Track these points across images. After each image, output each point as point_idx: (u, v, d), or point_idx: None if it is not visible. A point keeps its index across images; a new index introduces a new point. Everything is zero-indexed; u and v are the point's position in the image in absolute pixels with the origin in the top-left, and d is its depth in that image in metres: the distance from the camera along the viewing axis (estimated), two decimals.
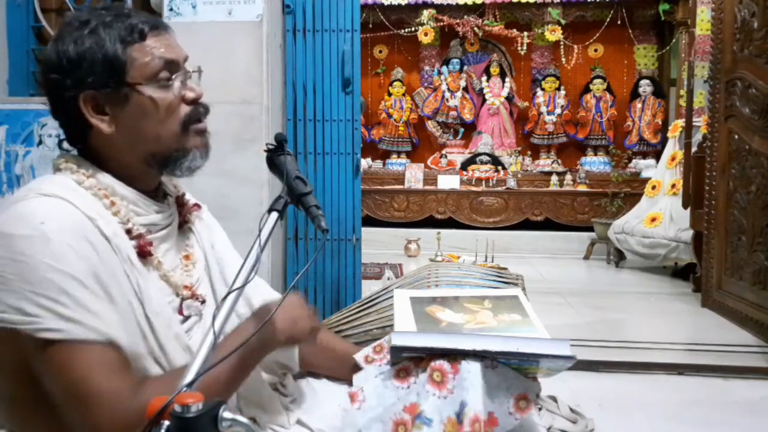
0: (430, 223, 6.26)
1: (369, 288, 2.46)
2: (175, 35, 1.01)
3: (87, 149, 1.00)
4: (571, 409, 2.15)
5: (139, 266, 0.95)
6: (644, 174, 6.07)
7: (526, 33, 6.62)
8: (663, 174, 5.07)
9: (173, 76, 0.97)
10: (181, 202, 1.12)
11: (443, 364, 0.93)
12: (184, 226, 1.11)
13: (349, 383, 1.07)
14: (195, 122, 1.00)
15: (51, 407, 0.88)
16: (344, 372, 1.16)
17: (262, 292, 1.20)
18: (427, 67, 7.14)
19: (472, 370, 0.93)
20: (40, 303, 0.83)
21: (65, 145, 1.04)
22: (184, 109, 0.98)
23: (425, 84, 7.11)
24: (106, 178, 0.97)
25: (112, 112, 0.96)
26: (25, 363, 0.88)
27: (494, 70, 6.84)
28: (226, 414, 0.71)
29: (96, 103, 0.95)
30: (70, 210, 0.89)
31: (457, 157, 6.77)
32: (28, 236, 0.84)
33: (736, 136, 3.35)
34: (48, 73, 0.96)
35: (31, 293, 0.83)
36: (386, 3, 6.58)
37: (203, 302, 1.06)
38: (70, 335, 0.83)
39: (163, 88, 0.96)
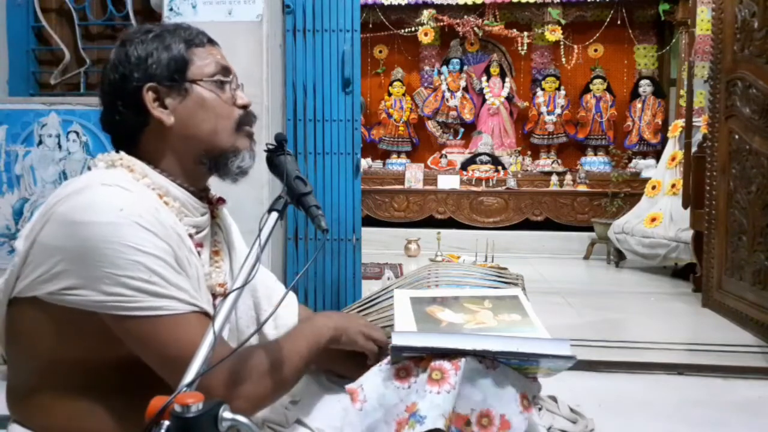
0: (430, 223, 6.26)
1: (369, 288, 2.45)
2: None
3: (138, 150, 1.03)
4: (571, 409, 2.15)
5: (196, 259, 1.01)
6: (644, 174, 6.07)
7: (526, 33, 6.62)
8: (663, 174, 5.07)
9: (227, 79, 1.05)
10: (208, 199, 1.13)
11: (443, 363, 0.93)
12: (212, 221, 1.13)
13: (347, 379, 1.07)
14: (246, 125, 1.06)
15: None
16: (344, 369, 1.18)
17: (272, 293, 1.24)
18: (427, 67, 7.14)
19: (474, 369, 0.93)
20: (134, 285, 0.88)
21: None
22: (237, 111, 1.05)
23: (425, 84, 7.11)
24: (159, 179, 1.01)
25: (172, 105, 1.01)
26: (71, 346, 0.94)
27: (494, 70, 6.84)
28: (226, 414, 0.71)
29: (158, 95, 1.00)
30: (138, 197, 0.94)
31: (457, 157, 6.77)
32: (111, 222, 0.88)
33: (737, 136, 3.35)
34: (114, 70, 1.01)
35: (123, 277, 0.88)
36: (386, 3, 6.58)
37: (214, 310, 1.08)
38: (168, 310, 0.90)
39: (219, 88, 1.03)
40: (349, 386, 0.97)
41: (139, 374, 0.95)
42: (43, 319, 0.93)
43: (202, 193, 1.09)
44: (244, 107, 1.06)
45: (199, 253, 1.03)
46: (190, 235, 1.01)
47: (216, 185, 1.13)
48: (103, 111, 1.04)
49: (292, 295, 1.29)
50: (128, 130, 1.03)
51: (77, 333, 0.94)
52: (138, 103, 1.00)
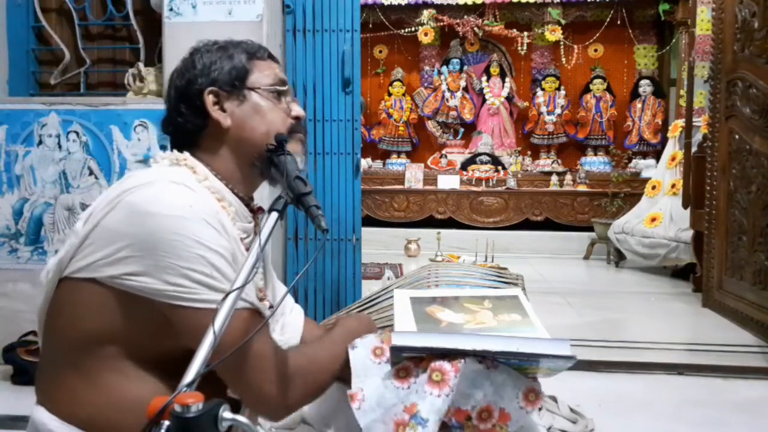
0: (430, 223, 6.26)
1: (369, 288, 2.45)
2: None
3: (197, 150, 1.09)
4: (571, 409, 2.15)
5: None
6: (644, 174, 6.07)
7: (526, 33, 6.62)
8: (663, 174, 5.07)
9: (284, 89, 1.12)
10: (252, 208, 1.18)
11: (443, 364, 0.93)
12: (253, 234, 1.17)
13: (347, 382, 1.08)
14: (297, 132, 1.12)
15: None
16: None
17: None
18: (427, 67, 7.14)
19: (474, 369, 0.93)
20: (196, 278, 0.93)
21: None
22: (290, 120, 1.11)
23: (425, 84, 7.11)
24: (217, 183, 1.06)
25: (230, 109, 1.08)
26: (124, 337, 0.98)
27: (494, 70, 6.84)
28: (226, 414, 0.71)
29: (218, 99, 1.07)
30: (203, 198, 1.00)
31: (457, 157, 6.77)
32: (180, 216, 0.94)
33: (737, 136, 3.35)
34: (180, 76, 1.10)
35: (186, 270, 0.93)
36: (386, 3, 6.58)
37: (270, 306, 1.12)
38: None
39: (275, 97, 1.10)
40: (351, 391, 0.97)
41: (176, 375, 0.96)
42: (98, 300, 0.97)
43: (250, 202, 1.15)
44: (297, 118, 1.12)
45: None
46: (241, 239, 1.06)
47: None
48: (167, 115, 1.12)
49: (299, 308, 1.33)
50: (189, 130, 1.09)
51: (128, 317, 0.97)
52: (199, 105, 1.07)
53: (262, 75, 1.10)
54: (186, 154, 1.07)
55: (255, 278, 1.09)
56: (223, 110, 1.08)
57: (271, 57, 1.14)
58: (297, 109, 1.12)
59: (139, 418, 0.95)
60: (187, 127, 1.08)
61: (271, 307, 1.16)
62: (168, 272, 0.92)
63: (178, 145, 1.10)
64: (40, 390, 1.04)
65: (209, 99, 1.07)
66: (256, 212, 1.18)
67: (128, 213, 0.95)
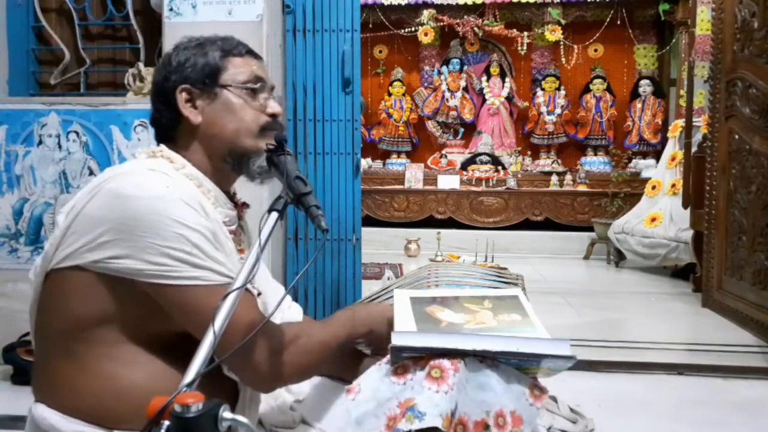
0: (430, 223, 6.26)
1: (369, 288, 2.45)
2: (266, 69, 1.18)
3: (174, 145, 1.12)
4: (571, 409, 2.15)
5: (231, 244, 1.07)
6: (644, 174, 6.07)
7: (526, 33, 6.62)
8: (663, 174, 5.07)
9: (258, 87, 1.11)
10: (234, 201, 1.19)
11: (443, 362, 0.93)
12: (237, 223, 1.19)
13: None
14: (272, 130, 1.11)
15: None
16: (341, 370, 1.19)
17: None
18: (427, 67, 7.14)
19: (479, 371, 0.93)
20: (176, 256, 0.95)
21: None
22: (265, 117, 1.11)
23: (425, 84, 7.11)
24: (194, 171, 1.08)
25: (201, 106, 1.10)
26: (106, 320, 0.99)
27: (494, 70, 6.84)
28: (226, 414, 0.71)
29: (190, 96, 1.10)
30: (182, 182, 1.03)
31: (457, 157, 6.77)
32: (157, 197, 0.96)
33: (737, 136, 3.35)
34: (158, 72, 1.13)
35: (167, 248, 0.95)
36: (386, 3, 6.58)
37: (259, 294, 1.12)
38: (206, 280, 0.97)
39: (249, 95, 1.11)
40: (349, 386, 0.97)
41: (168, 358, 1.00)
42: (84, 286, 0.99)
43: (234, 196, 1.17)
44: (273, 115, 1.12)
45: (232, 241, 1.09)
46: (224, 222, 1.08)
47: None
48: (152, 110, 1.15)
49: (298, 306, 1.33)
50: (165, 125, 1.12)
51: (114, 301, 0.99)
52: (173, 102, 1.09)
53: (236, 72, 1.10)
54: (162, 147, 1.10)
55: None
56: (195, 107, 1.09)
57: (250, 53, 1.15)
58: (273, 106, 1.12)
59: (136, 403, 0.96)
60: (163, 122, 1.11)
61: (259, 294, 1.16)
62: (149, 252, 0.94)
63: (159, 139, 1.13)
64: (37, 387, 1.04)
65: (182, 96, 1.09)
66: (240, 207, 1.19)
67: (108, 199, 0.97)
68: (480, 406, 0.92)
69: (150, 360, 1.01)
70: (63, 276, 1.00)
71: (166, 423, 0.69)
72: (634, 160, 6.48)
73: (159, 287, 0.96)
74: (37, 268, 1.04)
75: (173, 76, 1.10)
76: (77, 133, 2.58)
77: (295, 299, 2.83)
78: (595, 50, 6.91)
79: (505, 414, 0.92)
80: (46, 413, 1.00)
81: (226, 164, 1.11)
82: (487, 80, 6.88)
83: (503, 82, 6.86)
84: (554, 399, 2.18)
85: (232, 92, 1.09)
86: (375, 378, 0.96)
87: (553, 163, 6.64)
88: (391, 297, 1.23)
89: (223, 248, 1.02)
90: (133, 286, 0.97)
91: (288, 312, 1.27)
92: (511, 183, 6.35)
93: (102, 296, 0.98)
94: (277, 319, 1.23)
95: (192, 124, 1.09)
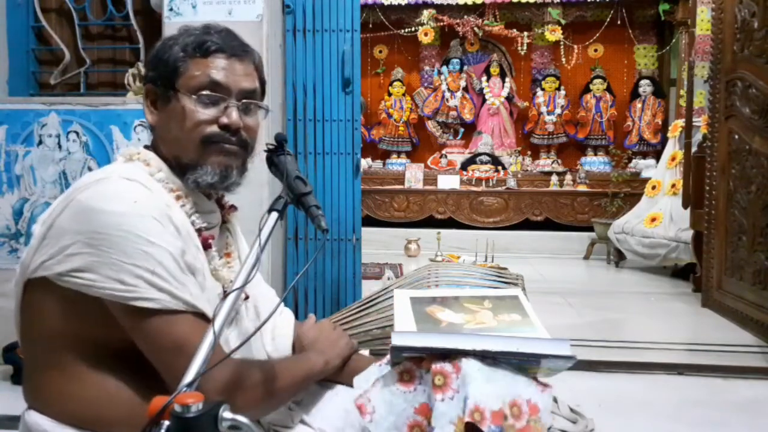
0: (430, 223, 6.26)
1: (369, 288, 2.45)
2: (249, 67, 1.07)
3: (153, 144, 1.09)
4: (571, 409, 2.15)
5: (203, 255, 1.04)
6: (644, 174, 6.07)
7: (526, 33, 6.62)
8: (663, 174, 5.07)
9: (214, 96, 1.02)
10: (220, 203, 1.17)
11: (444, 366, 0.93)
12: (223, 225, 1.17)
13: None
14: (219, 143, 1.03)
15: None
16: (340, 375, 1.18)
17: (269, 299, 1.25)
18: (427, 67, 7.13)
19: (484, 366, 0.93)
20: (138, 274, 0.91)
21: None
22: (213, 128, 1.02)
23: (425, 84, 7.11)
24: (170, 175, 1.04)
25: (158, 108, 1.06)
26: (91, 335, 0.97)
27: (494, 70, 6.84)
28: (226, 414, 0.71)
29: (154, 97, 1.06)
30: (153, 194, 0.98)
31: (457, 157, 6.77)
32: (123, 213, 0.92)
33: (737, 136, 3.35)
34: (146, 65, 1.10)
35: (129, 265, 0.91)
36: (386, 3, 6.58)
37: (246, 298, 1.11)
38: (164, 305, 0.91)
39: (200, 103, 1.02)
40: (357, 400, 0.97)
41: (147, 366, 0.96)
42: (52, 299, 0.96)
43: (209, 197, 1.12)
44: (226, 127, 1.02)
45: (210, 245, 1.06)
46: (200, 230, 1.04)
47: None
48: None
49: (289, 312, 1.31)
50: (149, 124, 1.10)
51: (83, 315, 0.96)
52: (144, 99, 1.07)
53: (192, 76, 1.02)
54: (140, 149, 1.07)
55: (223, 273, 1.08)
56: (156, 108, 1.06)
57: (220, 51, 1.03)
58: (227, 117, 1.02)
59: (127, 409, 0.96)
60: (147, 120, 1.10)
61: (247, 298, 1.15)
62: (111, 268, 0.91)
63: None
64: (28, 394, 1.03)
65: (146, 96, 1.07)
66: (227, 209, 1.17)
67: (77, 211, 0.95)
68: (493, 397, 0.91)
69: (128, 369, 0.98)
70: (36, 286, 0.97)
71: (166, 423, 0.69)
72: (634, 160, 6.48)
73: (117, 307, 0.92)
74: (18, 277, 1.01)
75: (149, 72, 1.07)
76: (77, 133, 2.58)
77: (295, 299, 2.83)
78: (595, 50, 6.91)
79: (520, 403, 0.91)
80: (39, 420, 0.99)
81: (178, 169, 1.05)
82: (487, 80, 6.88)
83: (503, 82, 6.86)
84: (554, 399, 2.18)
85: (185, 98, 1.01)
86: (384, 392, 0.96)
87: (553, 163, 6.64)
88: (391, 297, 1.23)
89: (191, 268, 0.97)
90: (96, 301, 0.93)
91: (279, 318, 1.24)
92: (511, 183, 6.35)
93: (69, 310, 0.96)
94: (269, 325, 1.21)
95: (152, 124, 1.07)
